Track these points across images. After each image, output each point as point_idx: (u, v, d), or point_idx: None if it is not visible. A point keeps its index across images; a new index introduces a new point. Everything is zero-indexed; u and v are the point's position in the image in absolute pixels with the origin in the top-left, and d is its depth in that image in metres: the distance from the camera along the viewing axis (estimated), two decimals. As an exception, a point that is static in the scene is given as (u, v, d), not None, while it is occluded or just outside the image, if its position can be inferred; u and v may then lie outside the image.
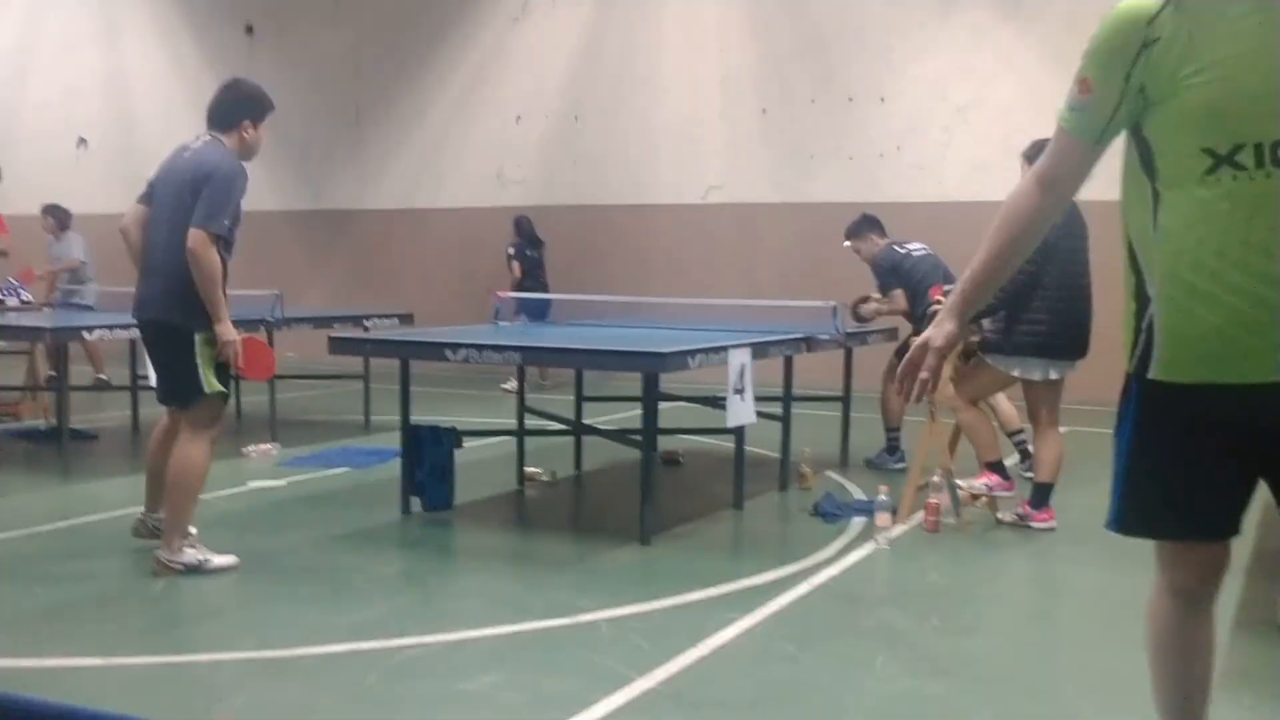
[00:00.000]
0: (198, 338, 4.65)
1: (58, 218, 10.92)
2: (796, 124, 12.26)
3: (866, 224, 7.56)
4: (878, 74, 11.83)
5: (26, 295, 8.92)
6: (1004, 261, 2.38)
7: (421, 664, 3.76)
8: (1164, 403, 2.24)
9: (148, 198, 4.89)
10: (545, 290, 11.67)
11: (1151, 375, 2.23)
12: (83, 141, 16.58)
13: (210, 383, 4.69)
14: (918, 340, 2.43)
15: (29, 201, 14.17)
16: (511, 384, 9.52)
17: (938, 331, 2.41)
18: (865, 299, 7.37)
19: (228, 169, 4.66)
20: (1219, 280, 2.09)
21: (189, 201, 4.61)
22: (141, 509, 5.16)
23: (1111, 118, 2.20)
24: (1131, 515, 2.35)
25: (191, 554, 4.71)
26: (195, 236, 4.55)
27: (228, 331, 4.69)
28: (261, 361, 4.99)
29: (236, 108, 4.84)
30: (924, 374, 2.40)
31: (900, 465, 7.28)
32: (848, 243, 7.61)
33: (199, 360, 4.66)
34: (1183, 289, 2.14)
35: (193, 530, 4.77)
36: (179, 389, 4.74)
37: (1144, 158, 2.20)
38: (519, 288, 11.32)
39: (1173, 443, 2.26)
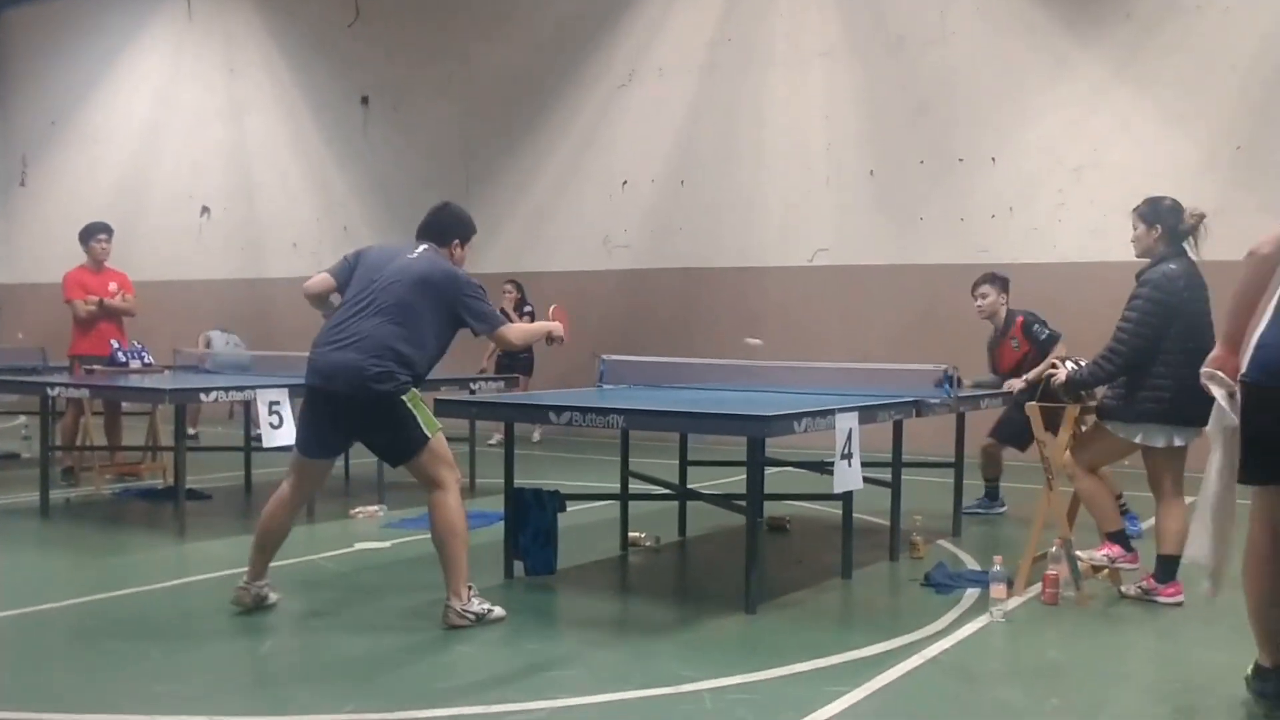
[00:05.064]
0: (404, 397, 4.84)
1: None
2: (905, 186, 12.13)
3: (1003, 281, 7.75)
4: (988, 135, 11.65)
5: (149, 358, 9.23)
6: None
7: (521, 732, 3.70)
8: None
9: (340, 274, 5.11)
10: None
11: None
12: (206, 210, 17.22)
13: (429, 425, 4.89)
14: None
15: (157, 269, 14.70)
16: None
17: None
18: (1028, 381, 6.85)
19: (462, 274, 5.06)
20: None
21: (411, 298, 4.91)
22: (244, 576, 5.16)
23: None
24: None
25: (479, 604, 4.92)
26: (498, 337, 5.12)
27: (555, 328, 5.40)
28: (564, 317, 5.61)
29: (451, 228, 5.23)
30: None
31: (1001, 510, 7.88)
32: (985, 286, 7.63)
33: (412, 411, 4.85)
34: None
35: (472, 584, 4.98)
36: (405, 447, 4.91)
37: None
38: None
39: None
